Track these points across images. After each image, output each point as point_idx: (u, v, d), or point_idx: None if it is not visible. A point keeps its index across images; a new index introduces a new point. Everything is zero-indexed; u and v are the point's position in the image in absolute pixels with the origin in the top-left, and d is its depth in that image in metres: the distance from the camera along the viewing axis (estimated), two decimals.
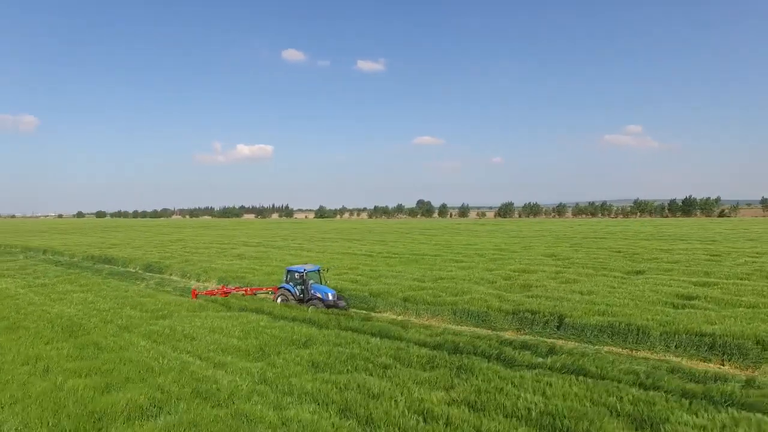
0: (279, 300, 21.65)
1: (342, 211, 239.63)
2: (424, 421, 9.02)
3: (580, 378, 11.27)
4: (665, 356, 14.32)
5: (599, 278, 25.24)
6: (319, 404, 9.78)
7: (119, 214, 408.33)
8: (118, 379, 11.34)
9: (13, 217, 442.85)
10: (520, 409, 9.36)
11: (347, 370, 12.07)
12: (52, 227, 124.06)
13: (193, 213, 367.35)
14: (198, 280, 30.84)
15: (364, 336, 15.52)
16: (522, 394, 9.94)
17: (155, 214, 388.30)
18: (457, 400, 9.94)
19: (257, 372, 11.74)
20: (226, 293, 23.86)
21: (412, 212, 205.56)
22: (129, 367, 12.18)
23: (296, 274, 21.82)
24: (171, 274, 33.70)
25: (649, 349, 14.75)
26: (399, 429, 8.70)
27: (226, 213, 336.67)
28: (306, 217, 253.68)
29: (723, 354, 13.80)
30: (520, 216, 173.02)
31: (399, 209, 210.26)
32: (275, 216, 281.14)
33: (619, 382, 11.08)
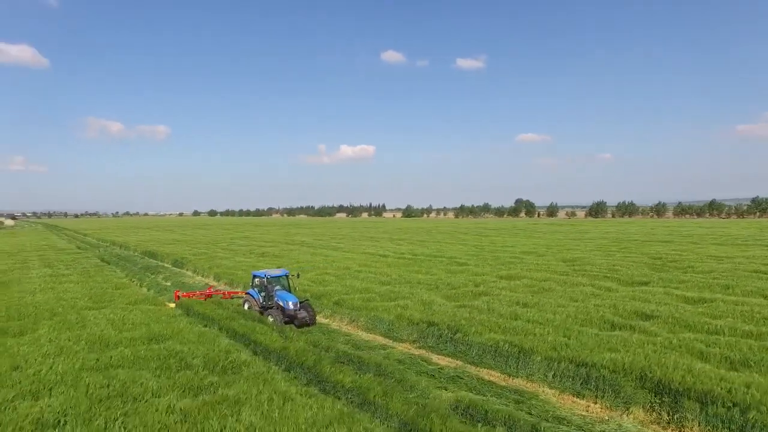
0: (246, 306, 20.21)
1: (428, 210, 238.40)
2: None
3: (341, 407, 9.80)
4: (541, 387, 12.05)
5: (582, 289, 22.14)
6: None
7: (227, 213, 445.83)
8: None
9: (145, 215, 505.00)
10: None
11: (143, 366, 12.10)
12: (154, 225, 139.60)
13: (291, 212, 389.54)
14: (203, 276, 32.54)
15: (220, 333, 15.55)
16: (244, 413, 8.92)
17: (258, 213, 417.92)
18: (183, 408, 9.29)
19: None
20: (208, 295, 23.16)
21: (498, 212, 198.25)
22: None
23: (257, 279, 19.98)
24: (187, 270, 35.98)
25: (527, 377, 12.52)
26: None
27: (320, 212, 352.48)
28: (394, 216, 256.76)
29: (597, 389, 11.26)
30: (613, 216, 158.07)
31: (485, 208, 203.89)
32: (365, 215, 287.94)
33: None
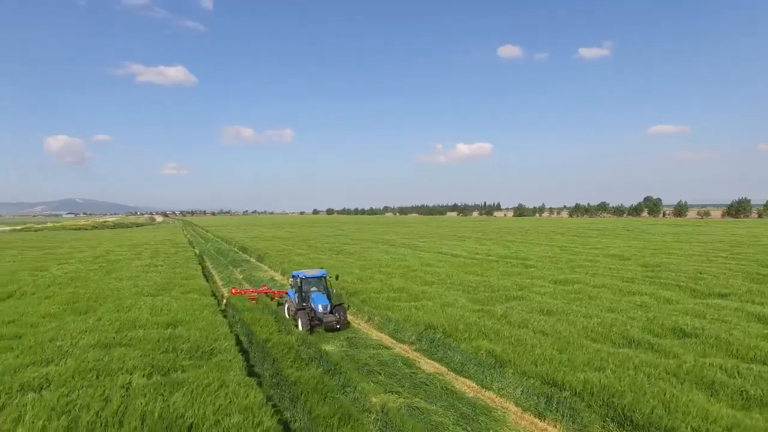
0: (286, 306, 20.03)
1: (541, 209, 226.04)
2: None
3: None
4: (507, 402, 11.01)
5: (634, 298, 19.61)
6: None
7: (344, 211, 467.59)
8: None
9: (271, 213, 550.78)
10: None
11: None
12: (270, 222, 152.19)
13: (404, 210, 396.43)
14: (275, 271, 34.99)
15: (225, 321, 16.72)
16: (177, 394, 9.56)
17: (372, 212, 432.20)
18: None
19: None
20: (259, 293, 23.08)
21: (618, 210, 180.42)
22: None
23: (294, 279, 19.53)
24: (265, 265, 38.92)
25: (498, 391, 11.51)
26: None
27: (432, 211, 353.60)
28: (505, 215, 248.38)
29: (557, 412, 9.99)
30: (760, 215, 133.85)
31: (602, 207, 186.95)
32: (475, 214, 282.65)
33: None
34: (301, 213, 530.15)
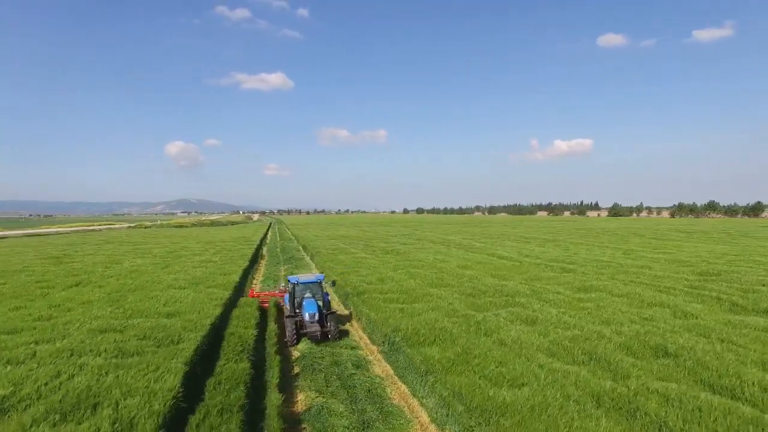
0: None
1: (639, 209, 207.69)
2: None
3: None
4: (422, 412, 10.84)
5: (647, 311, 17.79)
6: None
7: (433, 211, 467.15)
8: None
9: (363, 212, 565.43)
10: None
11: None
12: (349, 221, 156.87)
13: (492, 210, 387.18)
14: (318, 269, 36.49)
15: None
16: (111, 375, 10.73)
17: (461, 211, 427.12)
18: None
19: None
20: (273, 295, 22.59)
21: (730, 210, 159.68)
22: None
23: (290, 284, 18.38)
24: (313, 262, 40.68)
25: (420, 399, 11.35)
26: None
27: (521, 210, 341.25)
28: (598, 215, 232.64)
29: (454, 425, 9.60)
30: None
31: (711, 206, 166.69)
32: (567, 214, 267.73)
33: None
34: (392, 212, 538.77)
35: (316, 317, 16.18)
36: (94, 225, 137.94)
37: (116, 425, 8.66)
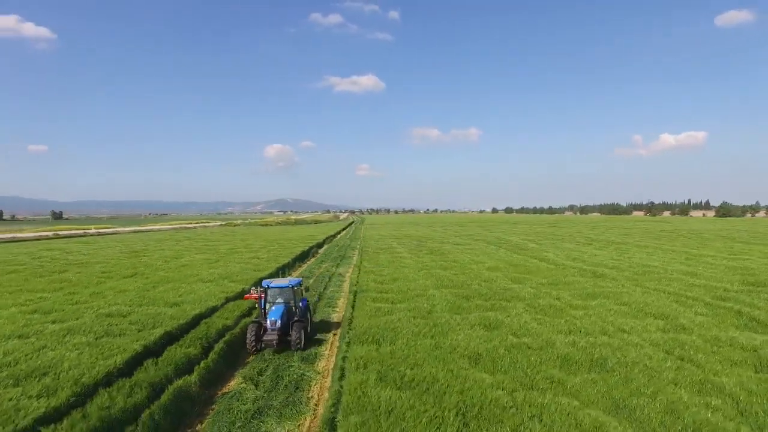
0: None
1: (755, 208, 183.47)
2: None
3: None
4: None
5: (638, 323, 16.54)
6: None
7: (522, 210, 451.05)
8: None
9: (452, 212, 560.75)
10: None
11: None
12: (427, 221, 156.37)
13: (584, 210, 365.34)
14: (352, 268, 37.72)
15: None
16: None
17: (550, 211, 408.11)
18: None
19: None
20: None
21: None
22: None
23: (261, 288, 16.87)
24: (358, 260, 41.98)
25: None
26: None
27: (616, 210, 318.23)
28: (704, 215, 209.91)
29: None
30: None
31: None
32: (666, 214, 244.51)
33: None
34: (481, 212, 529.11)
35: (278, 324, 15.20)
36: (191, 223, 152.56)
37: (44, 390, 10.40)
